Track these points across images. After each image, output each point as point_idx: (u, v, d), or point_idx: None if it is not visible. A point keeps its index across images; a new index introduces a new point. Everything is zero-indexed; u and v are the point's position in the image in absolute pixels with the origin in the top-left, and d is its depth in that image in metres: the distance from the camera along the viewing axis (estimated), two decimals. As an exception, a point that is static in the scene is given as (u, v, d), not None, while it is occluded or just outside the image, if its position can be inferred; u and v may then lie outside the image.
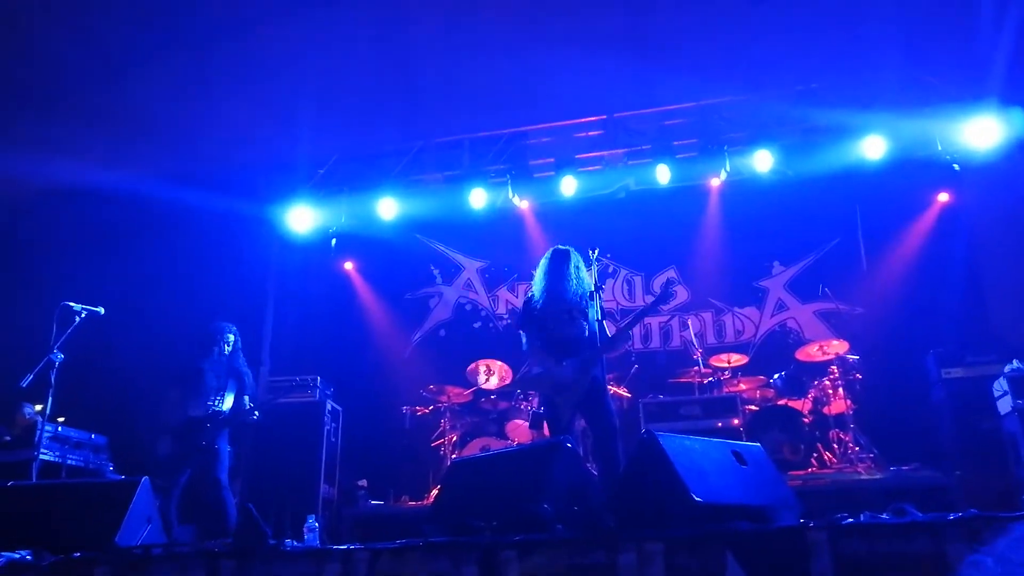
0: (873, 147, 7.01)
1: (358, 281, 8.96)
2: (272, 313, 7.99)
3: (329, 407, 6.87)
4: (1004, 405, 5.64)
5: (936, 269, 7.41)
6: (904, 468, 6.19)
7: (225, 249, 7.83)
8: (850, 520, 3.04)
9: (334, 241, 8.63)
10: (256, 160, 7.79)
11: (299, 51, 6.53)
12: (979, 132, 6.79)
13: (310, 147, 7.74)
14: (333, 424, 6.90)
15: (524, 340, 4.72)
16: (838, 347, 6.76)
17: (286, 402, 6.86)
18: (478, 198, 7.78)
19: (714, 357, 7.29)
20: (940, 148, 7.24)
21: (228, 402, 5.36)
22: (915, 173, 7.43)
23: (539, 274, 4.78)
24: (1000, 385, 5.70)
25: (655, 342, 8.38)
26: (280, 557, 3.38)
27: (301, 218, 8.00)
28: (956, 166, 7.35)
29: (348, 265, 8.94)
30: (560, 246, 4.76)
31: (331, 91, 6.95)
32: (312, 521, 4.16)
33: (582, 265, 4.80)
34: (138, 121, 7.12)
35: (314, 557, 3.34)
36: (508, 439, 7.07)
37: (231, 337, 5.52)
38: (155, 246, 7.83)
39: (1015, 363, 5.72)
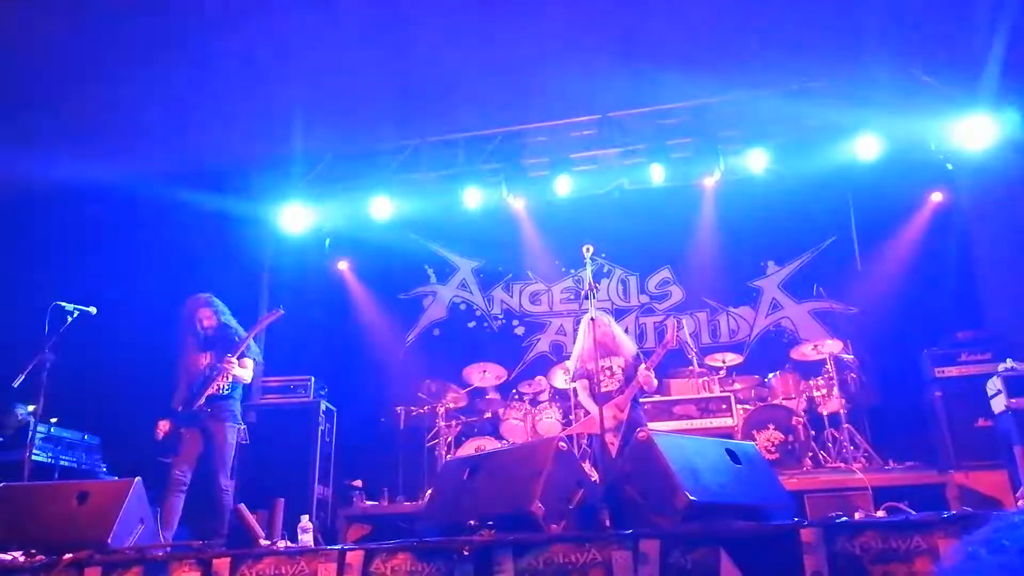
0: (867, 146, 7.02)
1: (352, 281, 8.94)
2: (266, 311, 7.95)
3: (323, 407, 6.85)
4: (998, 404, 5.64)
5: (930, 268, 7.43)
6: (898, 467, 6.20)
7: (218, 249, 7.79)
8: (844, 518, 3.04)
9: (328, 241, 8.61)
10: (249, 159, 7.75)
11: (293, 49, 6.49)
12: (972, 132, 6.80)
13: (304, 146, 7.71)
14: (327, 424, 6.88)
15: (579, 391, 5.62)
16: (832, 346, 6.77)
17: (280, 403, 6.86)
18: (473, 197, 7.77)
19: (709, 357, 7.30)
20: (933, 148, 7.26)
21: (224, 379, 5.06)
22: (909, 172, 7.44)
23: (581, 337, 5.47)
24: (994, 384, 5.70)
25: (650, 342, 8.38)
26: (274, 557, 3.36)
27: (295, 218, 7.98)
28: (949, 165, 7.38)
29: (342, 265, 8.91)
30: (595, 314, 5.17)
31: (325, 89, 6.92)
32: (306, 521, 4.15)
33: (617, 327, 5.63)
34: (130, 119, 7.08)
35: (308, 557, 3.32)
36: (503, 439, 7.07)
37: (207, 311, 5.22)
38: (148, 246, 7.79)
39: (1009, 362, 5.73)
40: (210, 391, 5.00)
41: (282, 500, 3.92)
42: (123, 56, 6.43)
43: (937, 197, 7.70)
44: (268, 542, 3.64)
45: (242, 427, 5.16)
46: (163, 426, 4.96)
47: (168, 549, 3.69)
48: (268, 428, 6.63)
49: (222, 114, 7.14)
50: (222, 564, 3.35)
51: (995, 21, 5.99)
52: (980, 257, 7.39)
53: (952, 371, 6.17)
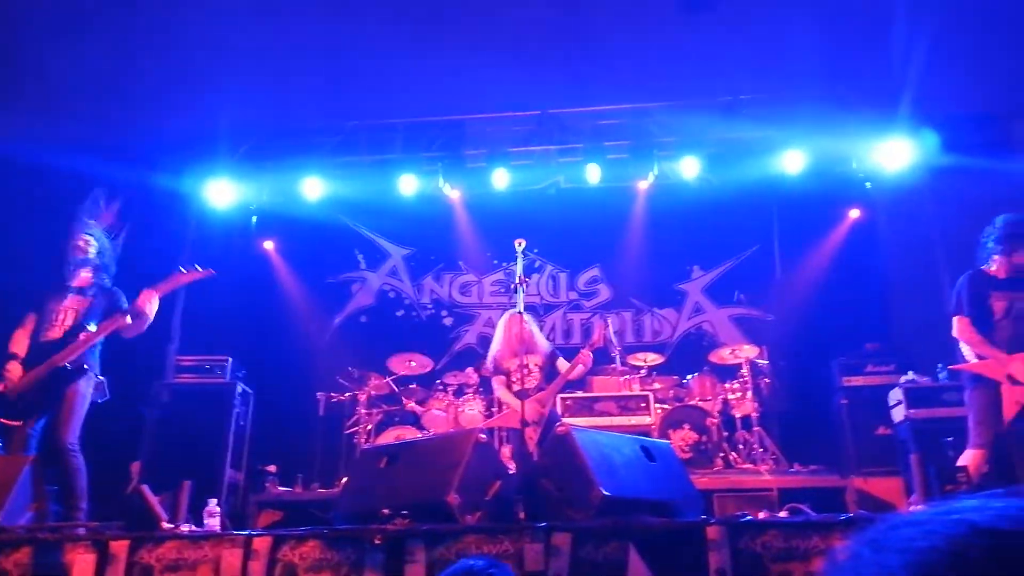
0: (793, 161, 7.27)
1: (278, 262, 8.70)
2: (184, 290, 7.62)
3: (240, 389, 6.65)
4: (898, 414, 5.96)
5: (845, 281, 7.76)
6: (803, 470, 6.45)
7: (138, 224, 7.42)
8: (748, 517, 3.15)
9: (255, 219, 8.36)
10: (173, 130, 7.39)
11: (225, 20, 6.23)
12: (890, 153, 7.14)
13: (234, 120, 7.43)
14: (243, 407, 6.69)
15: (496, 386, 5.65)
16: (749, 351, 6.99)
17: (194, 383, 6.63)
18: (408, 184, 7.69)
19: (632, 356, 7.42)
20: (855, 166, 7.59)
21: (90, 328, 4.40)
22: (830, 188, 7.75)
23: (499, 333, 5.57)
24: (895, 395, 6.02)
25: (576, 338, 8.47)
26: (177, 541, 3.25)
27: (221, 193, 7.70)
28: (868, 184, 7.74)
29: (268, 244, 8.66)
30: (515, 310, 5.29)
31: (260, 62, 6.69)
32: (214, 505, 4.02)
33: (535, 324, 5.68)
34: (43, 86, 6.67)
35: (213, 542, 3.22)
36: (424, 430, 7.02)
37: (88, 238, 4.59)
38: (61, 221, 7.37)
39: (910, 375, 6.06)
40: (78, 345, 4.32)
41: (189, 482, 3.78)
42: (40, 22, 6.06)
43: (855, 214, 8.04)
44: (171, 525, 3.51)
45: (101, 380, 4.51)
46: (13, 371, 4.27)
47: (63, 529, 3.51)
48: (180, 408, 6.39)
49: (143, 83, 6.80)
50: (119, 547, 3.22)
51: (912, 43, 6.28)
52: (889, 273, 7.76)
53: (858, 380, 6.45)
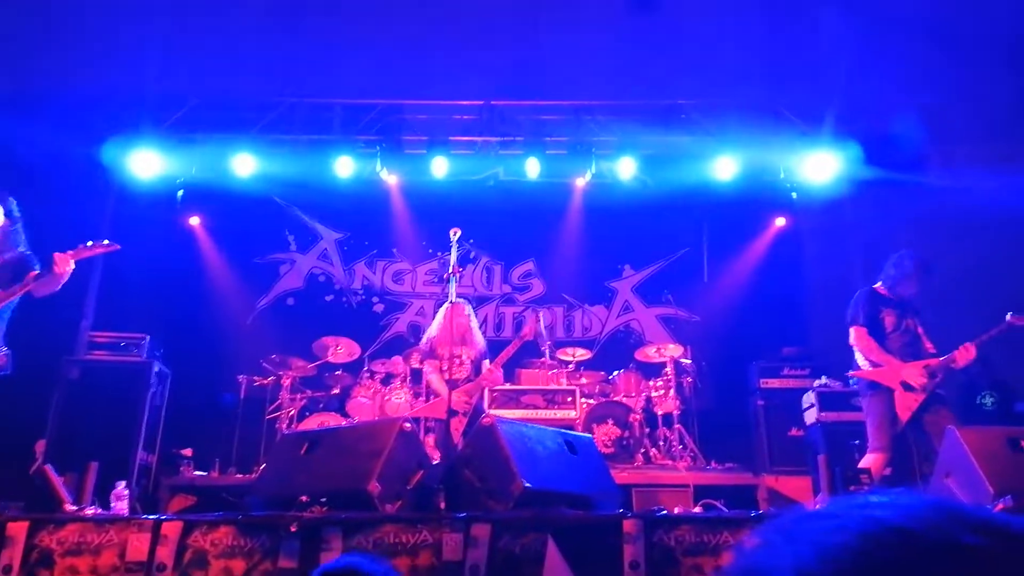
0: (725, 168, 7.47)
1: (204, 238, 8.41)
2: (101, 263, 7.28)
3: (156, 369, 6.39)
4: (810, 416, 6.22)
5: (768, 287, 8.05)
6: (719, 467, 6.66)
7: (53, 192, 7.03)
8: (664, 512, 3.23)
9: (181, 193, 8.06)
10: (97, 92, 7.01)
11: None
12: (816, 165, 7.42)
13: (163, 85, 7.11)
14: (159, 387, 6.44)
15: (425, 372, 5.72)
16: (674, 351, 7.15)
17: (108, 360, 6.35)
18: (345, 167, 7.54)
19: (561, 350, 7.49)
20: (782, 176, 7.86)
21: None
22: (759, 196, 8.03)
23: (438, 320, 5.63)
24: (808, 398, 6.28)
25: (507, 331, 8.50)
26: (80, 524, 3.11)
27: (145, 164, 7.38)
28: (794, 194, 8.04)
29: (194, 220, 8.37)
30: (457, 300, 5.35)
31: (194, 27, 6.42)
32: (122, 488, 3.86)
33: (474, 318, 5.76)
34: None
35: (119, 526, 3.10)
36: (348, 417, 6.93)
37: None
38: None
39: (823, 379, 6.34)
40: None
41: (95, 464, 3.61)
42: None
43: (780, 222, 8.35)
44: (75, 508, 3.36)
45: (7, 352, 4.29)
46: None
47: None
48: (91, 386, 6.10)
49: (63, 40, 6.43)
50: (18, 528, 3.06)
51: (836, 67, 6.54)
52: (810, 281, 8.09)
53: (774, 383, 6.70)
